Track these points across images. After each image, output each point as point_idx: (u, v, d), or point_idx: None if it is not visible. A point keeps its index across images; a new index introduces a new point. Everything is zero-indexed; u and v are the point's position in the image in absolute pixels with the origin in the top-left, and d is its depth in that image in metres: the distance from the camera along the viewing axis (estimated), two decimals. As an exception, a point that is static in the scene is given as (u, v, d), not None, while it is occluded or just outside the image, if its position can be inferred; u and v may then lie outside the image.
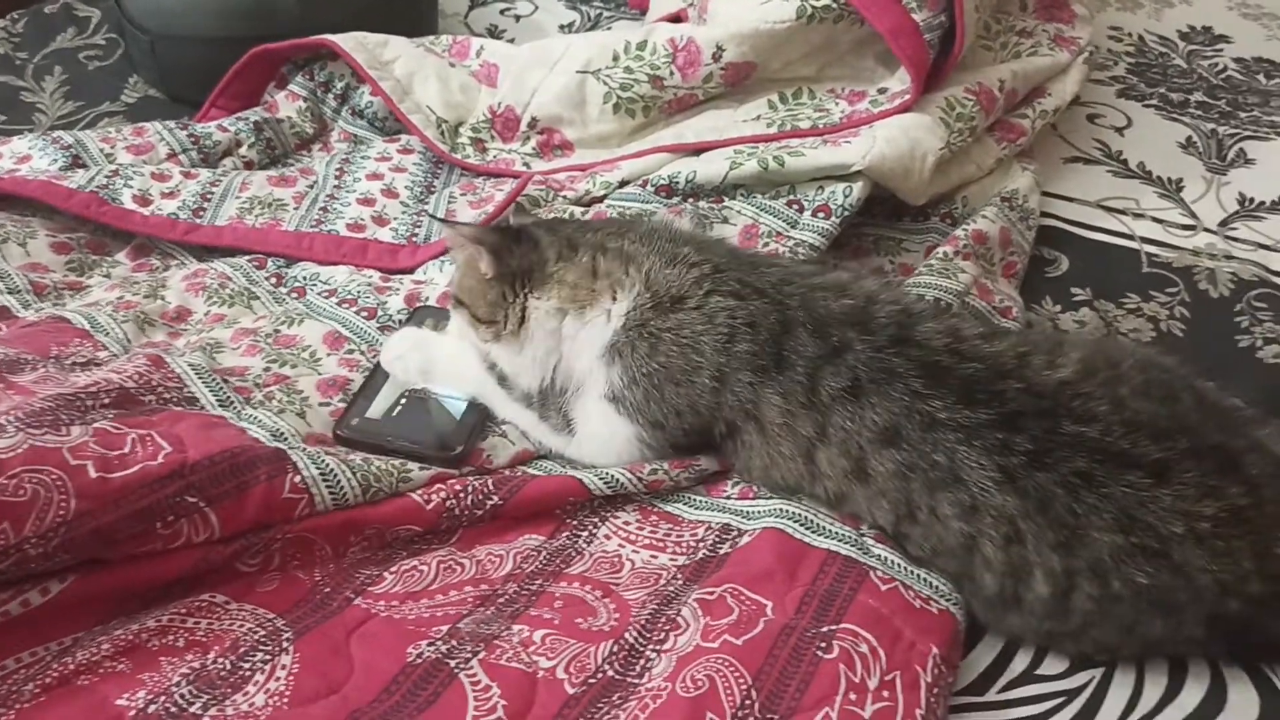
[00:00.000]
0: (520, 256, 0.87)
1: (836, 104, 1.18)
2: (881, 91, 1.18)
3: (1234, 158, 1.36)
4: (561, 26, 1.65)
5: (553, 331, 0.86)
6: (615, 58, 1.20)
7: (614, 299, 0.84)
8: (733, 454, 0.85)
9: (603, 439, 0.86)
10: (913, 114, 1.12)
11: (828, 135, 1.12)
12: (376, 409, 0.89)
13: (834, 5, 1.14)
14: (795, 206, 1.07)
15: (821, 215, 1.06)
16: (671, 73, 1.18)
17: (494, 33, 1.62)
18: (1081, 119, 1.42)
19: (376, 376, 0.92)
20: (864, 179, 1.07)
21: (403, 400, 0.90)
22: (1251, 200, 1.29)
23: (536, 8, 1.71)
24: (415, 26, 1.43)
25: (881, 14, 1.11)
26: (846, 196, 1.06)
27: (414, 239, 1.11)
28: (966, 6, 1.12)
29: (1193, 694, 0.75)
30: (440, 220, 1.09)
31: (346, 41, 1.24)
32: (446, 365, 0.91)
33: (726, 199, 1.10)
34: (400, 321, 0.98)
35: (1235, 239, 1.22)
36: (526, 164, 1.23)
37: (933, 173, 1.10)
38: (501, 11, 1.69)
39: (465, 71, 1.30)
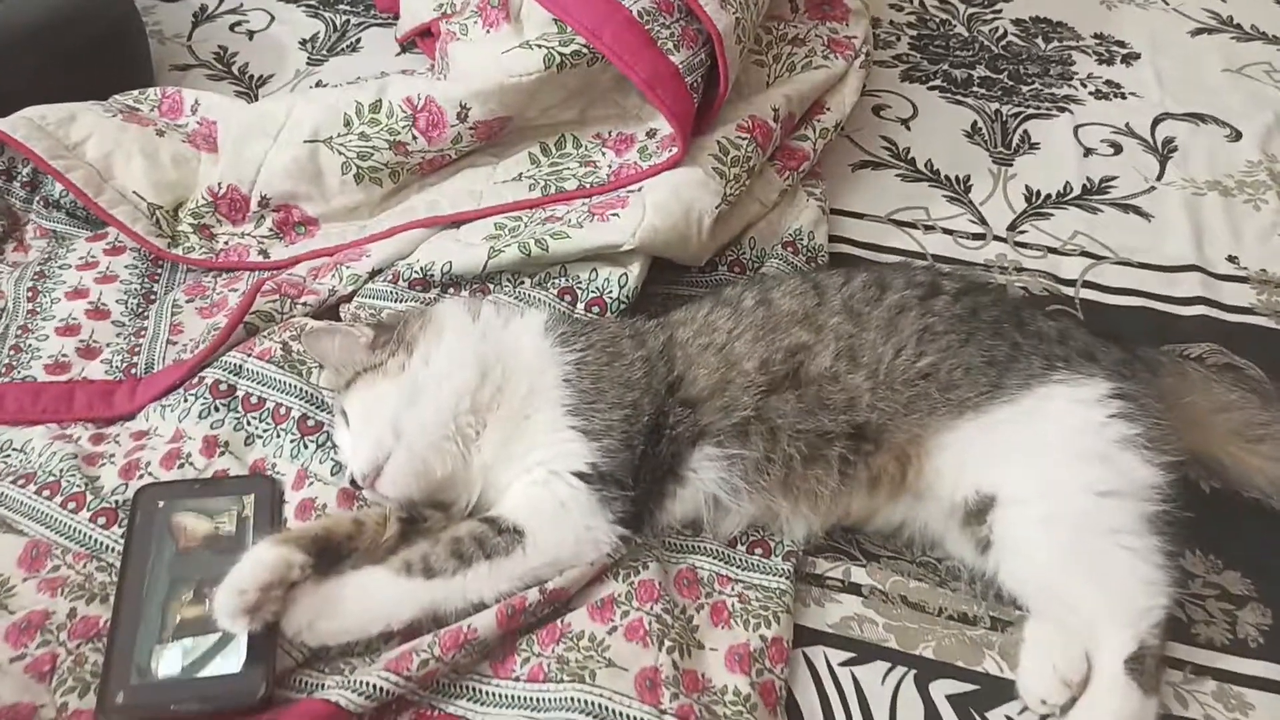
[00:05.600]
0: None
1: (604, 154, 1.07)
2: (650, 135, 1.07)
3: (1018, 143, 1.34)
4: (303, 41, 1.45)
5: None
6: (348, 123, 1.04)
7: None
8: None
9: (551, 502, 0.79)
10: (683, 169, 1.02)
11: (596, 199, 1.01)
12: (146, 663, 0.71)
13: (585, 50, 1.01)
14: (568, 298, 0.97)
15: (596, 310, 0.96)
16: (414, 137, 1.04)
17: (223, 55, 1.41)
18: (868, 112, 1.35)
19: (124, 615, 0.74)
20: (639, 258, 0.97)
21: (168, 646, 0.72)
22: (1037, 194, 1.26)
23: (273, 18, 1.50)
24: (122, 57, 1.23)
25: (636, 61, 0.99)
26: (622, 287, 0.96)
27: (133, 370, 0.95)
28: (728, 42, 1.01)
29: None
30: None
31: (18, 127, 1.03)
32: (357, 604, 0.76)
33: (491, 286, 0.98)
34: (119, 503, 0.82)
35: (1024, 244, 1.19)
36: (264, 250, 1.07)
37: (712, 231, 1.01)
38: (231, 27, 1.47)
39: (179, 136, 1.12)
